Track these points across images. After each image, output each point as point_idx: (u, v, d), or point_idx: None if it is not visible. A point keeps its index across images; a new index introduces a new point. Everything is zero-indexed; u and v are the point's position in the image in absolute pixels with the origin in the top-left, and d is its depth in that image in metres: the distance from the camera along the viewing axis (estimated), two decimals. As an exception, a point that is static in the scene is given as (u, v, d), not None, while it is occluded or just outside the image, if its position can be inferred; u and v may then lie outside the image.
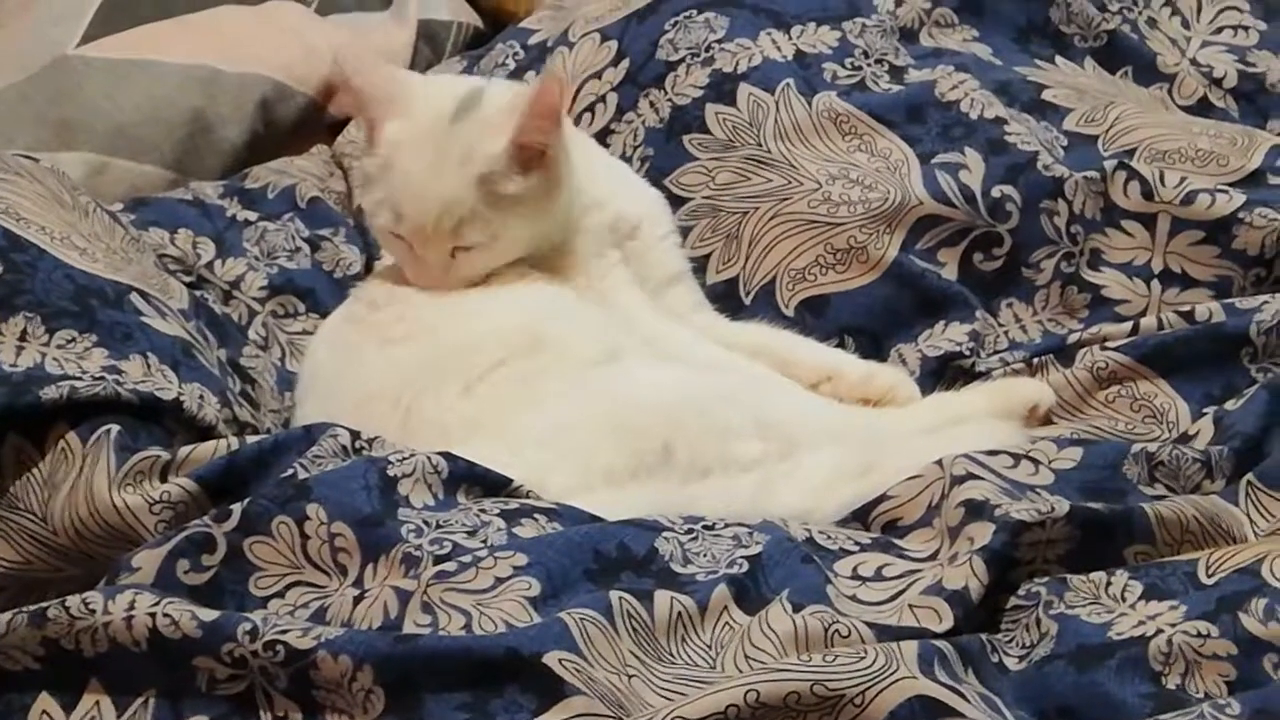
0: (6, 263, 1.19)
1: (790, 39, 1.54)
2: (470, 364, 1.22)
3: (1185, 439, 1.25)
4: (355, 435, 1.13)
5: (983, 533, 1.02)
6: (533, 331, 1.24)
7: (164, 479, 1.11)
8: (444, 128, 1.24)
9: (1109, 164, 1.44)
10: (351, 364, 1.26)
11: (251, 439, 1.14)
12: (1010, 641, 1.00)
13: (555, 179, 1.26)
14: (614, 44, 1.61)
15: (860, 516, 1.13)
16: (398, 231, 1.25)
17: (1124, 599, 1.00)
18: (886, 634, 0.96)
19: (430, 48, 1.93)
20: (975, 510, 1.04)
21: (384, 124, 1.23)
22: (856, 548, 1.06)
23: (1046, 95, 1.54)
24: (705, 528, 1.05)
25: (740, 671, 0.94)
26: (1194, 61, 1.66)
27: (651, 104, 1.54)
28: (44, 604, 1.00)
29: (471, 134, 1.23)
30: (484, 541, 1.02)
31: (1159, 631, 0.95)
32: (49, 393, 1.12)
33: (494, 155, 1.22)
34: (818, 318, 1.43)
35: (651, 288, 1.38)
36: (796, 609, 0.97)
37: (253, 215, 1.57)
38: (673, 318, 1.38)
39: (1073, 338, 1.38)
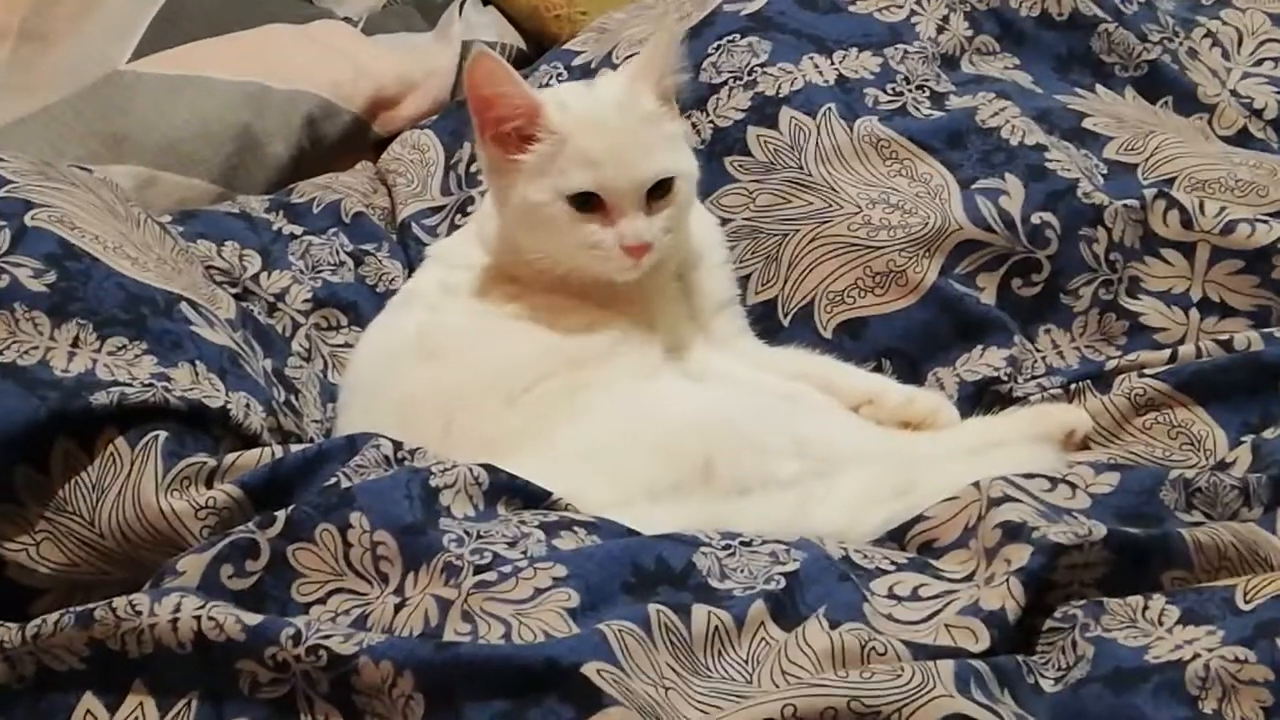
0: (60, 270, 1.21)
1: (832, 64, 1.55)
2: (514, 377, 1.24)
3: (1223, 466, 1.25)
4: (398, 446, 1.15)
5: (1020, 554, 1.03)
6: (578, 347, 1.25)
7: (210, 485, 1.13)
8: (587, 95, 1.32)
9: (1149, 192, 1.44)
10: (395, 371, 1.28)
11: (296, 447, 1.16)
12: (1046, 663, 1.00)
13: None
14: (657, 66, 1.63)
15: (896, 536, 1.14)
16: (599, 185, 1.26)
17: (1161, 623, 1.00)
18: (923, 653, 0.97)
19: (474, 69, 1.95)
20: (1013, 532, 1.05)
21: (547, 111, 1.28)
22: (893, 567, 1.07)
23: (1087, 123, 1.55)
24: (743, 544, 1.06)
25: (777, 686, 0.94)
26: (1234, 92, 1.67)
27: (693, 125, 1.55)
28: (91, 605, 1.01)
29: (618, 92, 1.31)
30: (524, 552, 1.03)
31: (1196, 656, 0.95)
32: (99, 398, 1.13)
33: (648, 94, 1.29)
34: (856, 340, 1.43)
35: (702, 314, 1.39)
36: (833, 626, 0.98)
37: (298, 229, 1.59)
38: (717, 343, 1.39)
39: (1110, 364, 1.38)
